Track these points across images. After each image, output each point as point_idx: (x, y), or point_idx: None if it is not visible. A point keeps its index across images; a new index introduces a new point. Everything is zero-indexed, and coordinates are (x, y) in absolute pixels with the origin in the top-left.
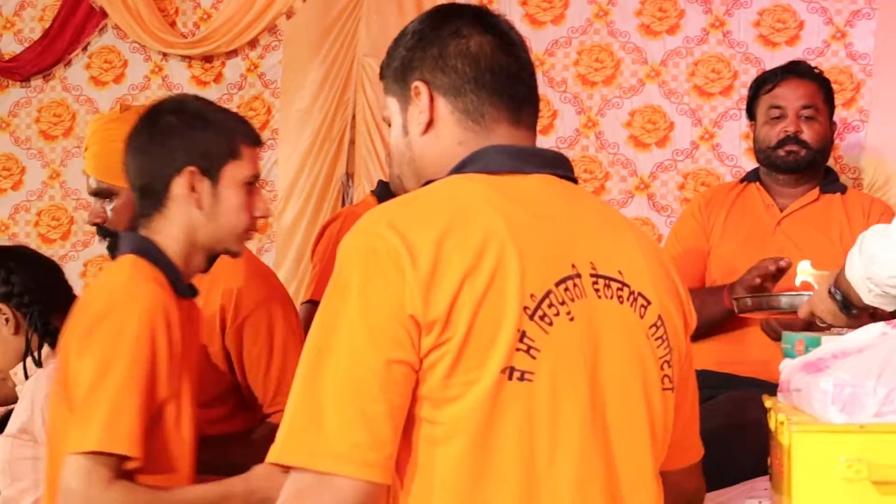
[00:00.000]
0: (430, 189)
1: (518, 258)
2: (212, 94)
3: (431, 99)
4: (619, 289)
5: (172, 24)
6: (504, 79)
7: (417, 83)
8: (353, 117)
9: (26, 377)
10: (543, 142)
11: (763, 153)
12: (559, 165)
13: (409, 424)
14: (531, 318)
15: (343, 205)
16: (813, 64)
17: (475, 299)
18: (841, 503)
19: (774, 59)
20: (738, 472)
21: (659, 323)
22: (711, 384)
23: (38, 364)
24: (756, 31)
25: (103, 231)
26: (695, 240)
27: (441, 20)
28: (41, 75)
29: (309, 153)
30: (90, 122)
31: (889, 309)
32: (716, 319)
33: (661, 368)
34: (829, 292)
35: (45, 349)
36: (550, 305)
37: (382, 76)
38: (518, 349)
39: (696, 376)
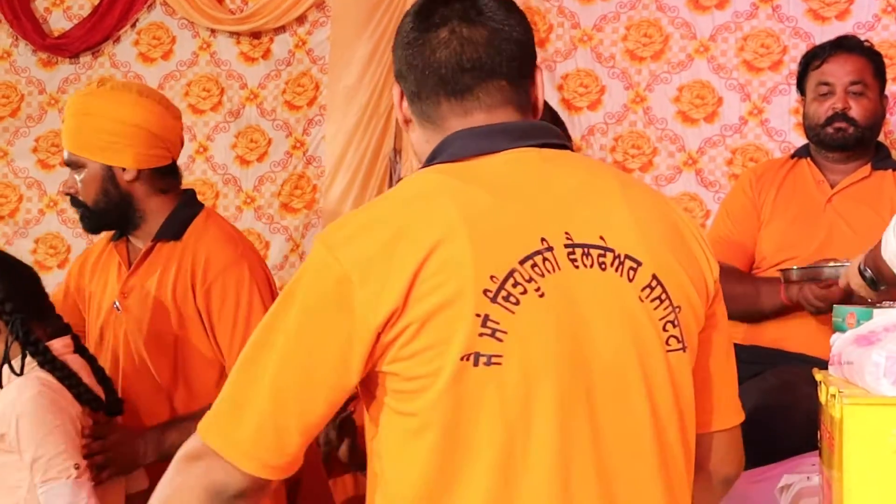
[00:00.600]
0: (395, 189)
1: (471, 244)
2: (260, 70)
3: (401, 99)
4: (600, 255)
5: (220, 1)
6: (441, 77)
7: (395, 84)
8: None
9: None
10: (591, 117)
11: (812, 130)
12: (537, 135)
13: (387, 418)
14: (494, 300)
15: (390, 181)
16: (863, 38)
17: (427, 291)
18: (893, 476)
19: (824, 33)
20: (786, 448)
21: (654, 283)
22: (760, 360)
23: (18, 373)
24: (805, 6)
25: (75, 202)
26: (745, 216)
27: (413, 19)
28: (90, 52)
29: (356, 129)
30: (69, 96)
31: None
32: (767, 311)
33: (665, 329)
34: (859, 269)
35: (27, 358)
36: (515, 284)
37: None
38: (482, 334)
39: (744, 352)
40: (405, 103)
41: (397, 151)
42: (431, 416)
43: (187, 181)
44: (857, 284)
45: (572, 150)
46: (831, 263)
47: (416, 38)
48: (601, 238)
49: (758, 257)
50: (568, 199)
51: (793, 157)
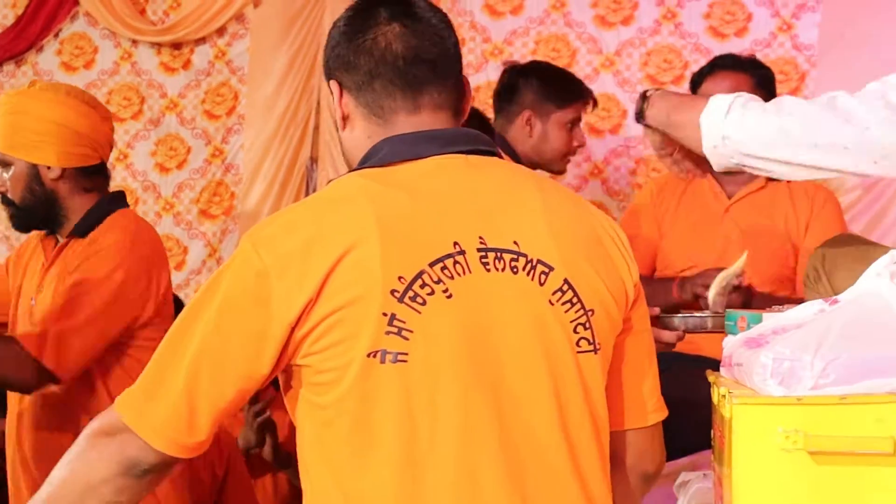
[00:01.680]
0: (320, 191)
1: (382, 246)
2: (180, 80)
3: (341, 96)
4: (512, 259)
5: (142, 12)
6: (398, 67)
7: (332, 82)
8: (318, 103)
9: None
10: None
11: None
12: (464, 142)
13: (303, 410)
14: (400, 300)
15: (307, 189)
16: (760, 54)
17: (338, 290)
18: (778, 473)
19: (724, 49)
20: (684, 446)
21: (565, 287)
22: (659, 362)
23: None
24: (706, 23)
25: (5, 200)
26: (647, 225)
27: (353, 16)
28: (13, 61)
29: (274, 138)
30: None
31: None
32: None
33: (575, 331)
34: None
35: None
36: (423, 286)
37: None
38: (388, 332)
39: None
40: (345, 99)
41: (314, 160)
42: (340, 408)
43: None
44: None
45: (500, 156)
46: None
47: (364, 31)
48: (515, 243)
49: (660, 265)
50: (486, 205)
51: None
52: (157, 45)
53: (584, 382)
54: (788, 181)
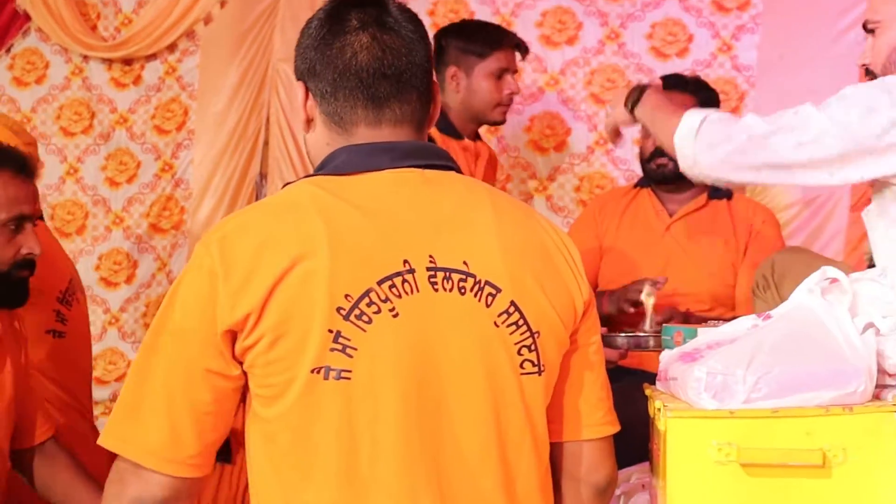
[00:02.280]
0: (272, 196)
1: (332, 262)
2: (130, 95)
3: (306, 99)
4: (461, 280)
5: (94, 28)
6: (362, 80)
7: (299, 83)
8: (268, 119)
9: None
10: None
11: (641, 164)
12: (422, 156)
13: (251, 419)
14: (346, 318)
15: None
16: (701, 74)
17: (284, 303)
18: (712, 485)
19: (666, 69)
20: (625, 457)
21: (511, 310)
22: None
23: None
24: (649, 44)
25: None
26: (588, 242)
27: (324, 20)
28: None
29: (223, 153)
30: None
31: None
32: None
33: (519, 353)
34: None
35: None
36: (370, 304)
37: None
38: (333, 349)
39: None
40: (310, 102)
41: (263, 175)
42: (283, 423)
43: (57, 201)
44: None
45: (457, 171)
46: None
47: (332, 38)
48: (464, 263)
49: (602, 280)
50: (438, 222)
51: (636, 186)
52: (108, 61)
53: (525, 404)
54: (729, 200)
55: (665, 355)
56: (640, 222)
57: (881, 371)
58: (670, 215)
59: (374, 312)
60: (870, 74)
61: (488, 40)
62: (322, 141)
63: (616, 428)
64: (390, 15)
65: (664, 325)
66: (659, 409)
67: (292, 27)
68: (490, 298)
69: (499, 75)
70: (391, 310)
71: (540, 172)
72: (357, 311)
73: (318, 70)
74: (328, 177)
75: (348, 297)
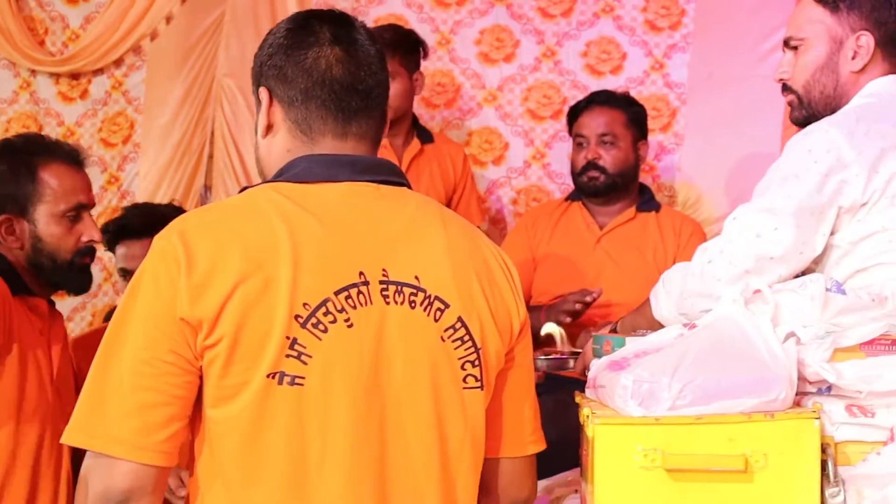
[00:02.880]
0: (231, 199)
1: (293, 269)
2: (77, 109)
3: (270, 105)
4: (412, 294)
5: (41, 43)
6: (335, 92)
7: (262, 89)
8: (212, 133)
9: None
10: None
11: (573, 177)
12: (378, 172)
13: (198, 421)
14: (303, 325)
15: None
16: (634, 91)
17: (244, 306)
18: (638, 489)
19: (600, 86)
20: (559, 463)
21: (458, 325)
22: (539, 385)
23: None
24: (584, 61)
25: None
26: (521, 254)
27: (294, 30)
28: None
29: (169, 166)
30: None
31: None
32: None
33: (463, 368)
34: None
35: None
36: (326, 313)
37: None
38: (288, 355)
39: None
40: (275, 108)
41: (208, 187)
42: (234, 424)
43: None
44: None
45: (409, 187)
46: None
47: (305, 48)
48: (416, 278)
49: (535, 292)
50: (392, 237)
51: (567, 199)
52: (56, 76)
53: (467, 418)
54: (657, 213)
55: (595, 364)
56: (571, 235)
57: (801, 379)
58: (601, 228)
59: (330, 322)
60: (787, 90)
61: None
62: (283, 147)
63: (542, 446)
64: (359, 33)
65: (594, 334)
66: (587, 416)
67: (237, 44)
68: (439, 313)
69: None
70: (346, 320)
71: (479, 186)
72: (314, 320)
73: (289, 76)
74: (288, 184)
75: (306, 306)
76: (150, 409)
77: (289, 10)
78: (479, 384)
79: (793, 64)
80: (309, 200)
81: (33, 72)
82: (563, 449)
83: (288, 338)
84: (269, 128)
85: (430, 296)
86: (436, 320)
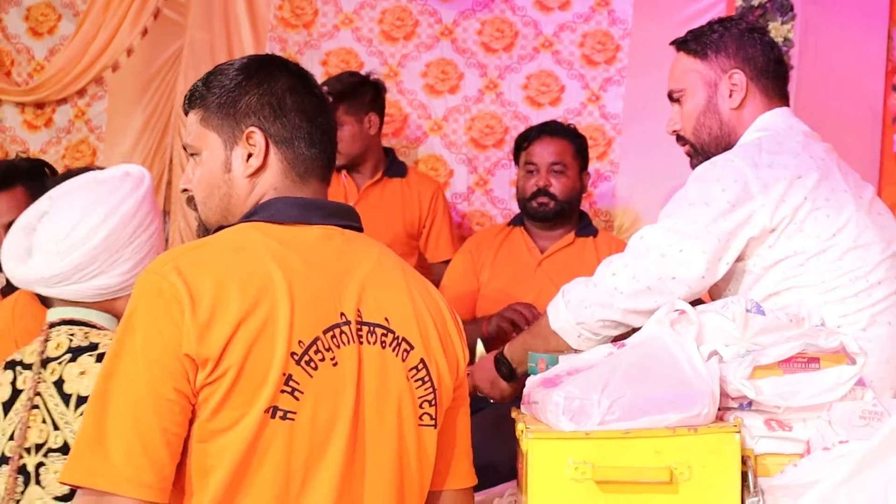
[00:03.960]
0: (217, 236)
1: (290, 307)
2: (42, 137)
3: (267, 146)
4: (383, 334)
5: (8, 74)
6: (329, 138)
7: (254, 129)
8: (171, 160)
9: None
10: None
11: (521, 203)
12: (343, 216)
13: (184, 452)
14: (298, 362)
15: None
16: (571, 122)
17: (247, 343)
18: (569, 501)
19: (540, 117)
20: (499, 474)
21: (420, 366)
22: (481, 399)
23: None
24: (524, 93)
25: None
26: (465, 277)
27: (273, 70)
28: None
29: None
30: None
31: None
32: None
33: (421, 407)
34: (496, 360)
35: None
36: (317, 351)
37: (200, 106)
38: (283, 390)
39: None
40: (269, 148)
41: (166, 213)
42: (226, 455)
43: None
44: (485, 379)
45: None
46: None
47: (293, 86)
48: (386, 319)
49: (480, 312)
50: (362, 279)
51: (509, 224)
52: (22, 105)
53: (420, 455)
54: (595, 237)
55: (529, 381)
56: (513, 258)
57: (724, 395)
58: (541, 252)
59: (320, 360)
60: (681, 140)
61: None
62: (269, 185)
63: (475, 481)
64: (312, 81)
65: (530, 352)
66: (522, 431)
67: (194, 75)
68: (405, 354)
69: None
70: (332, 358)
71: None
72: (307, 357)
73: (282, 115)
74: (266, 224)
75: (301, 343)
76: (154, 445)
77: (244, 46)
78: (433, 422)
79: (680, 115)
80: (291, 241)
81: (0, 101)
82: (504, 462)
83: (284, 374)
84: (260, 168)
85: (398, 337)
86: (403, 360)
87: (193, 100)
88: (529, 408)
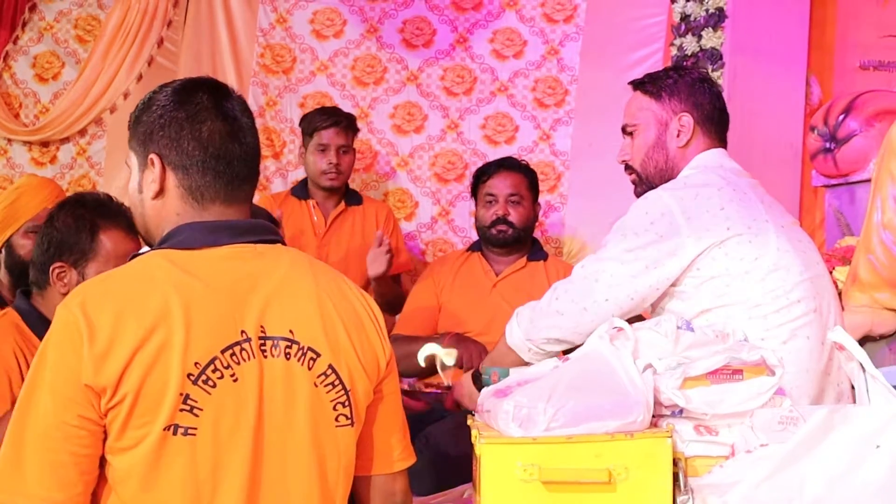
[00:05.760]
0: (125, 267)
1: (185, 332)
2: (47, 172)
3: (163, 171)
4: (287, 347)
5: (17, 116)
6: (227, 163)
7: (153, 155)
8: None
9: None
10: None
11: (481, 230)
12: (255, 232)
13: (102, 467)
14: (195, 382)
15: None
16: (524, 158)
17: (143, 369)
18: (519, 500)
19: (496, 154)
20: (460, 476)
21: (329, 371)
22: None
23: None
24: (482, 133)
25: None
26: (427, 299)
27: (185, 99)
28: None
29: None
30: None
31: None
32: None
33: (335, 409)
34: (474, 375)
35: None
36: (215, 370)
37: (129, 127)
38: (182, 409)
39: (434, 400)
40: (167, 174)
41: None
42: (132, 471)
43: None
44: (466, 395)
45: (284, 243)
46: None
47: (192, 119)
48: (290, 332)
49: (441, 329)
50: (268, 295)
51: (468, 250)
52: (29, 144)
53: (340, 452)
54: (545, 261)
55: (483, 392)
56: (470, 281)
57: (657, 403)
58: (496, 275)
59: (218, 378)
60: (629, 169)
61: (310, 125)
62: (172, 210)
63: (411, 461)
64: (236, 101)
65: (483, 366)
66: (476, 437)
67: None
68: (311, 362)
69: (322, 151)
70: (231, 375)
71: None
72: (204, 377)
73: (181, 145)
74: (175, 251)
75: (197, 365)
76: (63, 467)
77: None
78: (349, 422)
79: (631, 147)
80: (195, 265)
81: (9, 140)
82: (462, 465)
83: (181, 394)
84: (159, 192)
85: (303, 347)
86: (309, 369)
87: (128, 124)
88: (483, 416)
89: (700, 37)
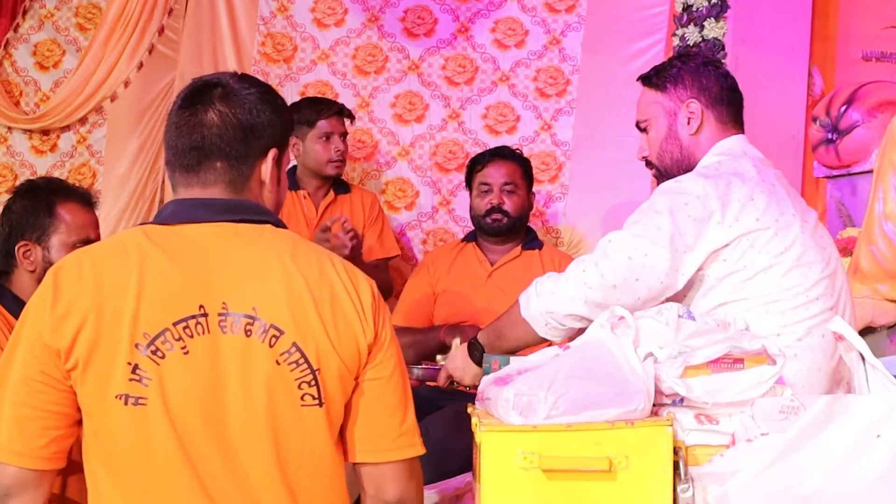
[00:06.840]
0: (105, 240)
1: (137, 302)
2: (48, 161)
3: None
4: (248, 324)
5: (17, 104)
6: (178, 154)
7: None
8: (163, 182)
9: None
10: None
11: (476, 220)
12: (238, 211)
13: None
14: (143, 352)
15: None
16: (526, 148)
17: (93, 336)
18: (519, 487)
19: (498, 143)
20: (458, 467)
21: (293, 350)
22: (443, 397)
23: None
24: (484, 122)
25: None
26: (423, 287)
27: (186, 94)
28: None
29: (125, 210)
30: None
31: (557, 340)
32: (434, 350)
33: (300, 388)
34: (470, 344)
35: None
36: (165, 342)
37: None
38: (132, 379)
39: (433, 391)
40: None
41: None
42: (97, 437)
43: None
44: (463, 369)
45: (276, 224)
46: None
47: (172, 119)
48: (253, 309)
49: (437, 320)
50: (237, 272)
51: (463, 241)
52: (29, 132)
53: (305, 432)
54: (540, 250)
55: (483, 380)
56: (466, 271)
57: (658, 392)
58: (491, 264)
59: (168, 349)
60: (649, 165)
61: (313, 112)
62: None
63: (410, 453)
64: (230, 92)
65: (485, 354)
66: (476, 425)
67: None
68: (273, 340)
69: (326, 139)
70: (182, 348)
71: (394, 228)
72: (153, 348)
73: (170, 142)
74: (155, 226)
75: (146, 335)
76: (27, 421)
77: None
78: (316, 402)
79: (647, 142)
80: (166, 240)
81: (10, 128)
82: (463, 453)
83: (130, 363)
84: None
85: (265, 325)
86: (270, 346)
87: None
88: (483, 404)
89: (702, 27)
